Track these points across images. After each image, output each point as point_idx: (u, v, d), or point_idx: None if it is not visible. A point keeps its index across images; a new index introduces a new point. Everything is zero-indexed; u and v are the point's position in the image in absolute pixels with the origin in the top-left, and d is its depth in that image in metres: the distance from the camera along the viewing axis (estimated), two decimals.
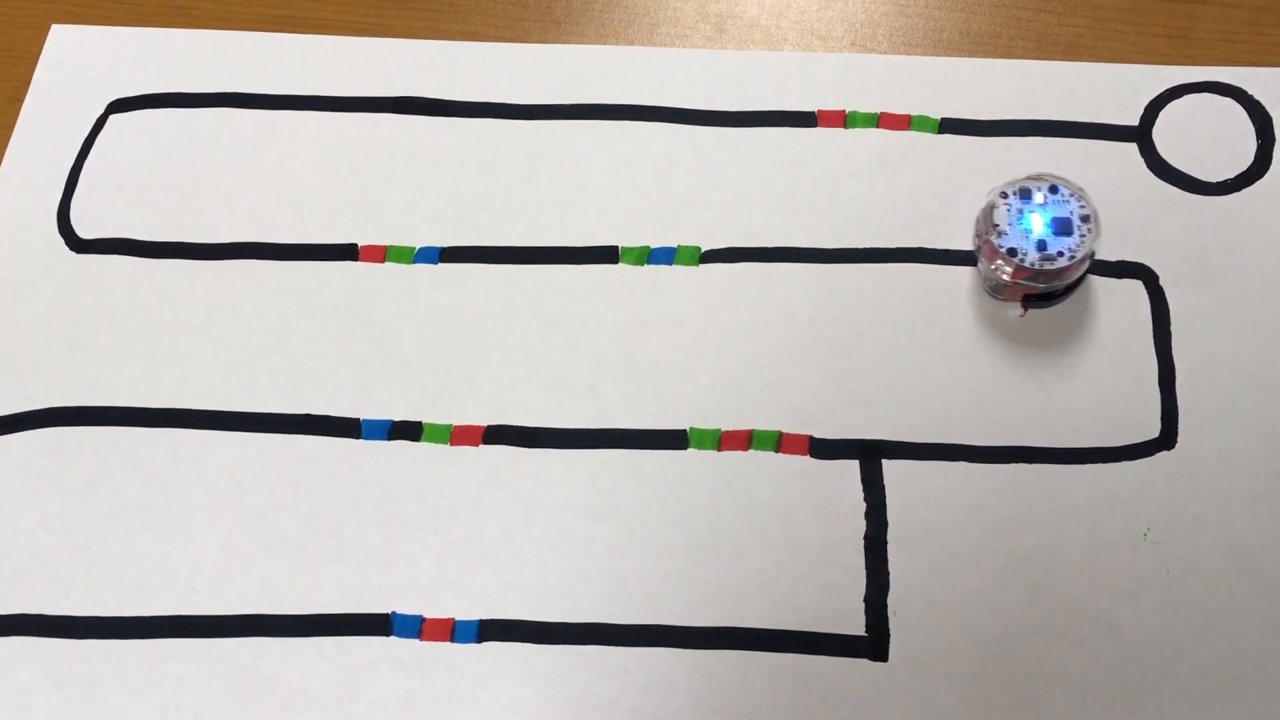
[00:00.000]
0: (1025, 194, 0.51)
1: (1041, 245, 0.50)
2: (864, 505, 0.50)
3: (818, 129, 0.58)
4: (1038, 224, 0.50)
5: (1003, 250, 0.50)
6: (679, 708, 0.47)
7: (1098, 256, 0.53)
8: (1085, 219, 0.50)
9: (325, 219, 0.57)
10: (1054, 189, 0.51)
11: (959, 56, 0.59)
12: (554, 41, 0.61)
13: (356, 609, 0.49)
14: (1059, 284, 0.51)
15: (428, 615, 0.49)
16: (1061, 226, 0.50)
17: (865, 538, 0.49)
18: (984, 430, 0.51)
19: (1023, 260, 0.50)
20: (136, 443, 0.52)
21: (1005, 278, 0.51)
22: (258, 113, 0.60)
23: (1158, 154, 0.56)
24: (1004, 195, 0.51)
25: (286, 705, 0.48)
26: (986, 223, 0.51)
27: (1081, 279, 0.53)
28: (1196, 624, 0.47)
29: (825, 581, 0.49)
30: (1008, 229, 0.50)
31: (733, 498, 0.50)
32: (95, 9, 0.63)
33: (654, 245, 0.55)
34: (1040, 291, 0.52)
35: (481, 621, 0.49)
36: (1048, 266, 0.50)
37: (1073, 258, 0.50)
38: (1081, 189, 0.51)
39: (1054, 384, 0.52)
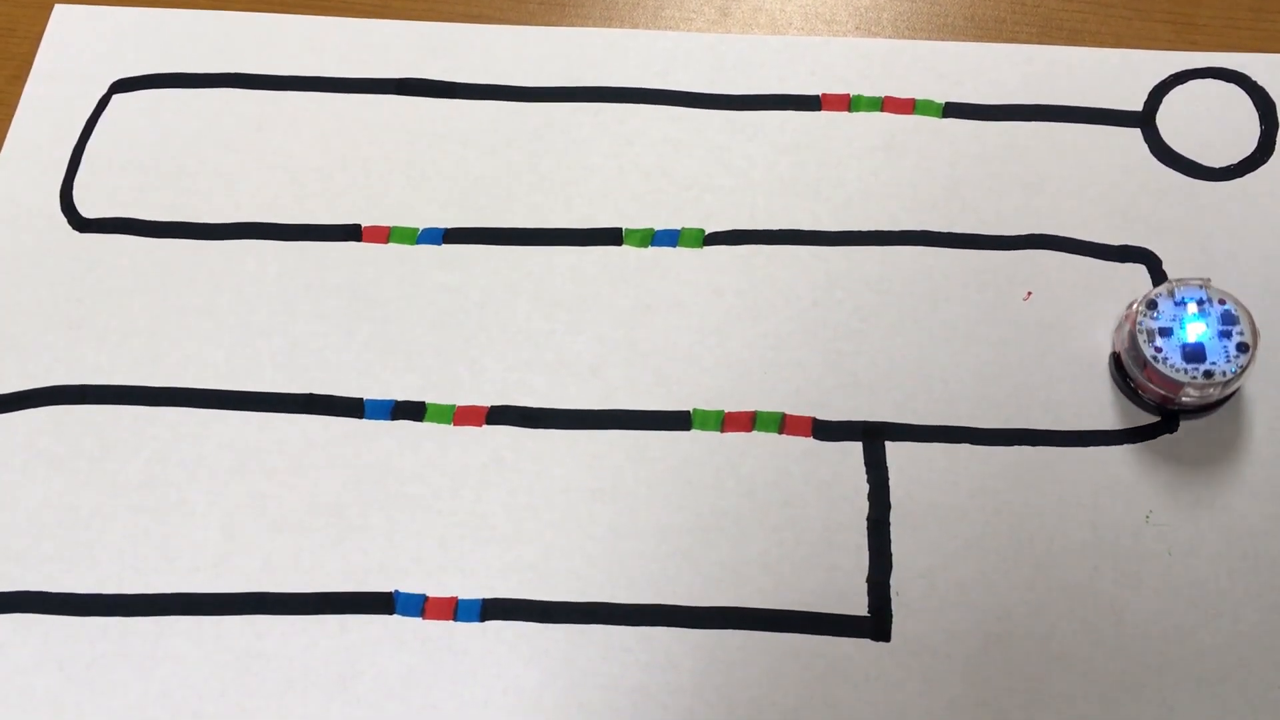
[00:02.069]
0: (1183, 302, 0.49)
1: (1175, 346, 0.48)
2: (867, 487, 0.50)
3: (822, 113, 0.58)
4: (1191, 332, 0.48)
5: (1141, 326, 0.48)
6: (681, 687, 0.47)
7: (1104, 240, 0.53)
8: (1208, 374, 0.47)
9: (328, 200, 0.57)
10: (1229, 318, 0.48)
11: (963, 41, 0.59)
12: (558, 24, 0.61)
13: (359, 588, 0.49)
14: (1144, 393, 0.50)
15: (431, 594, 0.49)
16: (1194, 353, 0.48)
17: (868, 519, 0.49)
18: (987, 413, 0.51)
19: (1141, 335, 0.48)
20: (139, 421, 0.52)
21: (1118, 346, 0.50)
22: (261, 93, 0.60)
23: (1161, 139, 0.56)
24: (1173, 292, 0.49)
25: (289, 683, 0.48)
26: (1146, 300, 0.49)
27: (1183, 411, 0.50)
28: (1198, 606, 0.48)
29: (828, 562, 0.49)
30: (1160, 314, 0.49)
31: (736, 479, 0.50)
32: None
33: (658, 227, 0.55)
34: (1126, 367, 0.50)
35: (484, 600, 0.49)
36: (1156, 359, 0.48)
37: (1181, 383, 0.48)
38: (1255, 339, 0.48)
39: (1057, 366, 0.52)
